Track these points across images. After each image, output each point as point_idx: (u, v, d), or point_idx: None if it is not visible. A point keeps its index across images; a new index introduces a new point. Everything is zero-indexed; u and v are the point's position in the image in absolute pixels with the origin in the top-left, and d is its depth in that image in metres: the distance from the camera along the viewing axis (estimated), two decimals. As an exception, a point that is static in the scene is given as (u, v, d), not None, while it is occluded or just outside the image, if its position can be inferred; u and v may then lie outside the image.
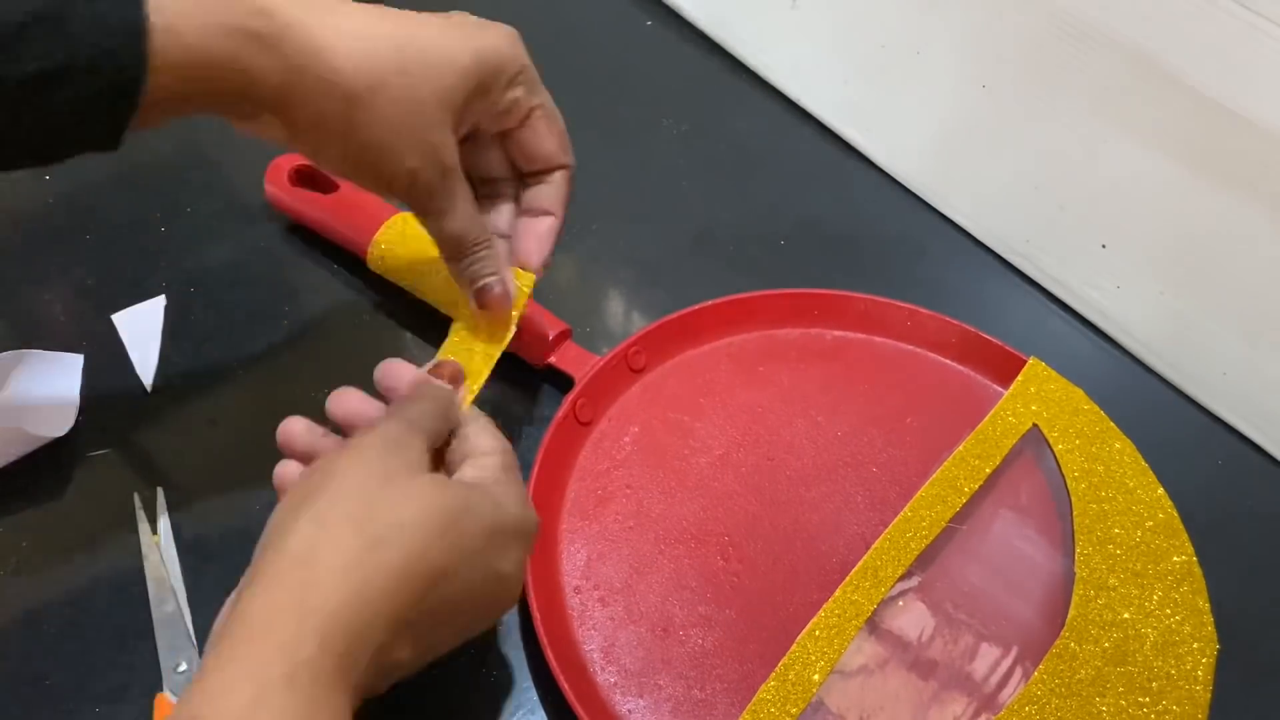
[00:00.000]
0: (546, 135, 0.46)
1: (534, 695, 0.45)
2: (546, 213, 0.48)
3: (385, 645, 0.33)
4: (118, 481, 0.51)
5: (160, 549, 0.48)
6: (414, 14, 0.42)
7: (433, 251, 0.55)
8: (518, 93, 0.45)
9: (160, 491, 0.50)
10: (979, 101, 0.61)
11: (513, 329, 0.48)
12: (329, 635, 0.31)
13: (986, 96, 0.61)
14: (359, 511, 0.34)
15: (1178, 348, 0.58)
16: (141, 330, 0.57)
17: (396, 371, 0.44)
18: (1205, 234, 0.54)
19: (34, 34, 0.33)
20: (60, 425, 0.51)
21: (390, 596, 0.33)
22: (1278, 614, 0.49)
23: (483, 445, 0.41)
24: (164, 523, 0.49)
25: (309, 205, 0.60)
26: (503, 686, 0.46)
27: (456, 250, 0.45)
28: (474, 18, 0.44)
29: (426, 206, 0.44)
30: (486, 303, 0.47)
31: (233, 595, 0.34)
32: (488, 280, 0.46)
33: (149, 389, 0.55)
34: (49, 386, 0.52)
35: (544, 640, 0.44)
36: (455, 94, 0.42)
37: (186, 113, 0.38)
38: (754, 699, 0.43)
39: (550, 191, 0.48)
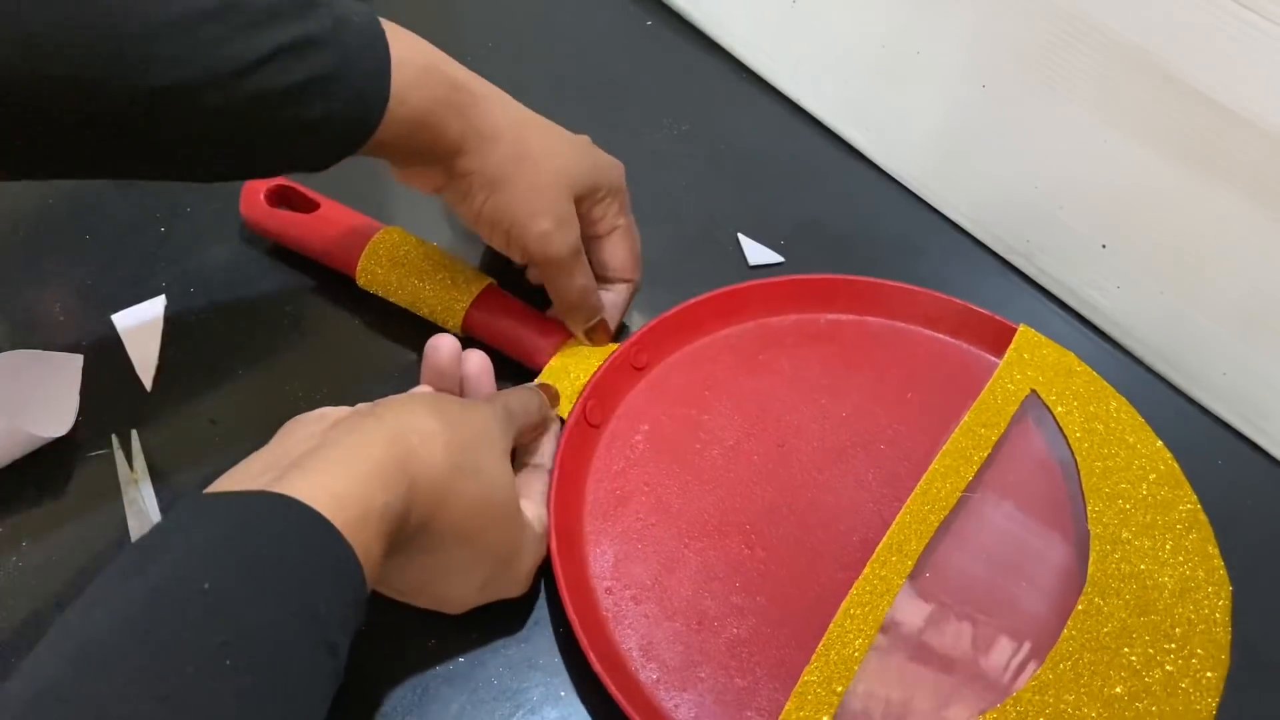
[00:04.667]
0: (622, 251, 0.56)
1: (575, 699, 0.45)
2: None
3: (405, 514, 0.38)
4: (117, 482, 0.51)
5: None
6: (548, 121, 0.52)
7: (423, 270, 0.56)
8: (611, 208, 0.54)
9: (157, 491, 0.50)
10: (979, 101, 0.61)
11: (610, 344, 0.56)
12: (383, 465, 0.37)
13: (986, 96, 0.61)
14: (461, 459, 0.40)
15: (1178, 347, 0.58)
16: (141, 330, 0.57)
17: (442, 346, 0.50)
18: (1205, 234, 0.54)
19: (313, 91, 0.43)
20: (60, 425, 0.51)
21: (439, 506, 0.39)
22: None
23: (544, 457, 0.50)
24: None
25: (289, 225, 0.59)
26: (542, 693, 0.45)
27: (579, 301, 0.54)
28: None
29: (559, 266, 0.52)
30: (599, 336, 0.56)
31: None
32: (602, 318, 0.55)
33: (149, 389, 0.55)
34: (48, 386, 0.52)
35: (584, 643, 0.44)
36: (575, 182, 0.51)
37: (379, 154, 0.48)
38: (799, 681, 0.43)
39: (612, 297, 0.56)
